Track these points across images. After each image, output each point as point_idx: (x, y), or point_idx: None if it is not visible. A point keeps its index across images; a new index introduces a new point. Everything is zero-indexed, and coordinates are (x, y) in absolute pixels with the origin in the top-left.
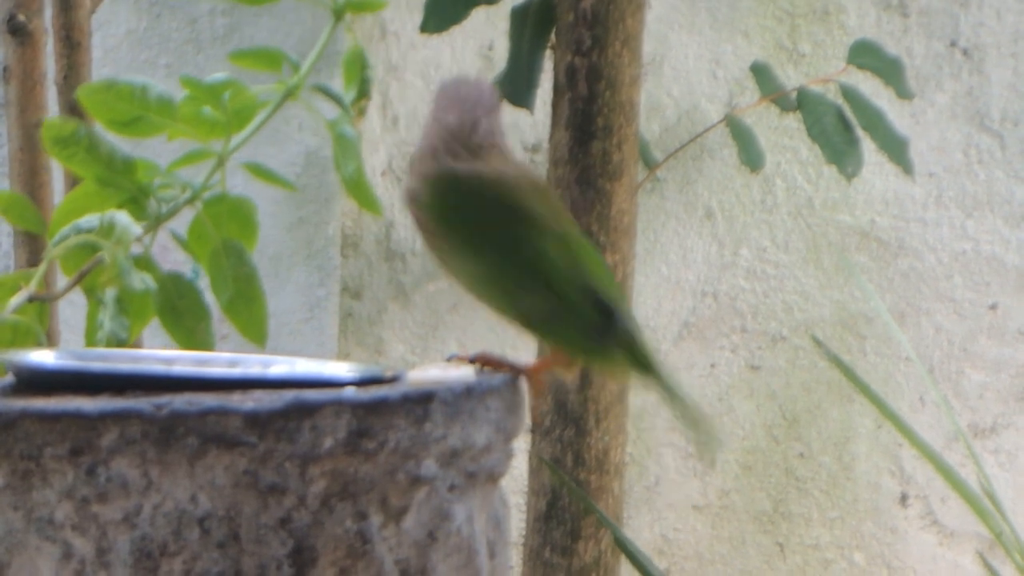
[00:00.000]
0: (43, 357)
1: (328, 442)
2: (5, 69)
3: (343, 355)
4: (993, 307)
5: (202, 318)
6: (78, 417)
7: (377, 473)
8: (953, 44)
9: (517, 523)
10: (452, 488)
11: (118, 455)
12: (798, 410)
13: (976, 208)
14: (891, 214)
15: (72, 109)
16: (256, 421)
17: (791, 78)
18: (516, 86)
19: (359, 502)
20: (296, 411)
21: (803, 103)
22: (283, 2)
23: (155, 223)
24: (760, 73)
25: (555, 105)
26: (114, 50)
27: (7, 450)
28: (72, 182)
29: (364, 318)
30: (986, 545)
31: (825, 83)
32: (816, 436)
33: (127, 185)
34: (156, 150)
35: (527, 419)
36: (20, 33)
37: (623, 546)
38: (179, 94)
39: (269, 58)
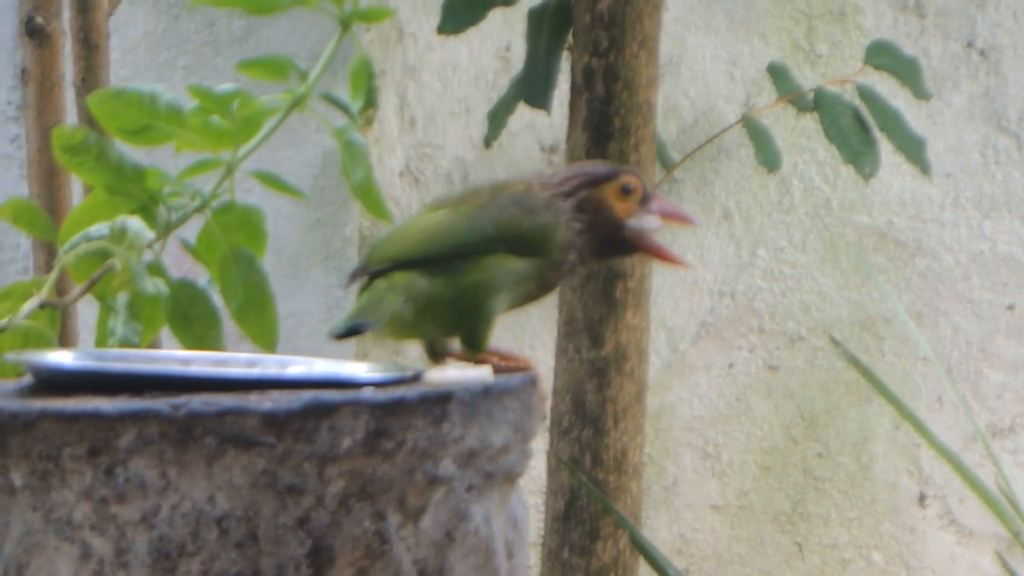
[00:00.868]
0: (61, 358)
1: (346, 442)
2: (24, 71)
3: (361, 355)
4: (1011, 307)
5: (213, 325)
6: (96, 417)
7: (395, 473)
8: (970, 45)
9: (535, 523)
10: (470, 488)
11: (136, 455)
12: (816, 410)
13: (993, 209)
14: (908, 215)
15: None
16: (274, 421)
17: (808, 79)
18: (533, 87)
19: (377, 502)
20: (314, 411)
21: (820, 104)
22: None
23: (165, 231)
24: (777, 74)
25: (572, 106)
26: (132, 52)
27: (26, 450)
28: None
29: None
30: (1004, 545)
31: (842, 84)
32: (834, 436)
33: (137, 193)
34: (166, 159)
35: (545, 418)
36: (38, 35)
37: (641, 546)
38: (189, 101)
39: (277, 67)
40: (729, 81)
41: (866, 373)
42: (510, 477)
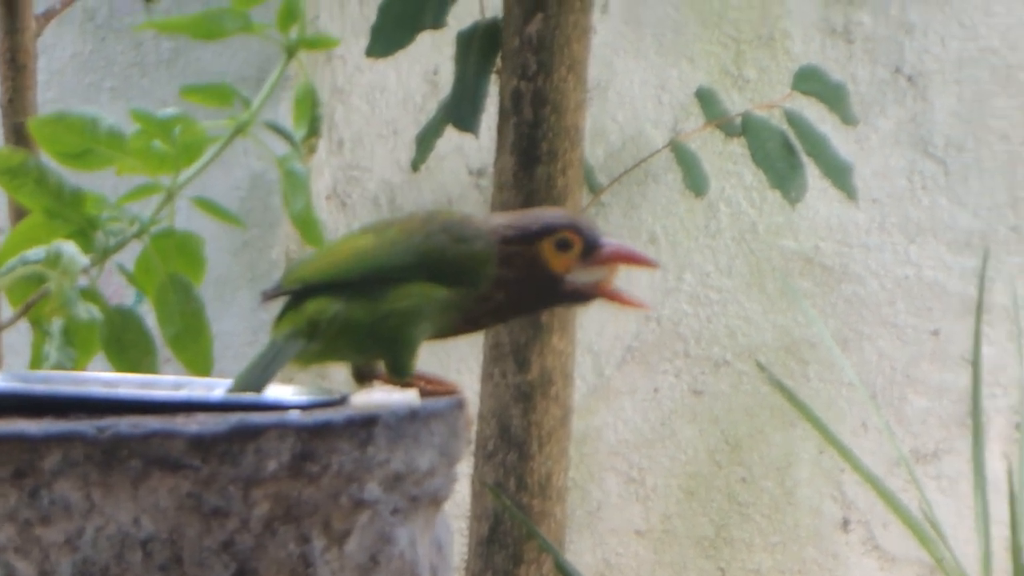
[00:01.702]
0: None
1: (272, 465)
2: None
3: (287, 378)
4: (935, 333)
5: (147, 351)
6: (21, 439)
7: (320, 496)
8: (897, 71)
9: (460, 547)
10: (395, 512)
11: (61, 477)
12: (741, 435)
13: (919, 234)
14: (835, 239)
15: (17, 131)
16: (200, 444)
17: (736, 103)
18: (461, 110)
19: (302, 525)
20: (240, 434)
21: (748, 128)
22: None
23: (102, 256)
24: (705, 98)
25: (500, 129)
26: (59, 73)
27: None
28: (17, 209)
29: None
30: (927, 571)
31: (770, 108)
32: (758, 461)
33: (75, 217)
34: (105, 183)
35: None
36: None
37: (565, 571)
38: (129, 125)
39: (220, 93)
40: (657, 105)
41: (791, 398)
42: (435, 501)
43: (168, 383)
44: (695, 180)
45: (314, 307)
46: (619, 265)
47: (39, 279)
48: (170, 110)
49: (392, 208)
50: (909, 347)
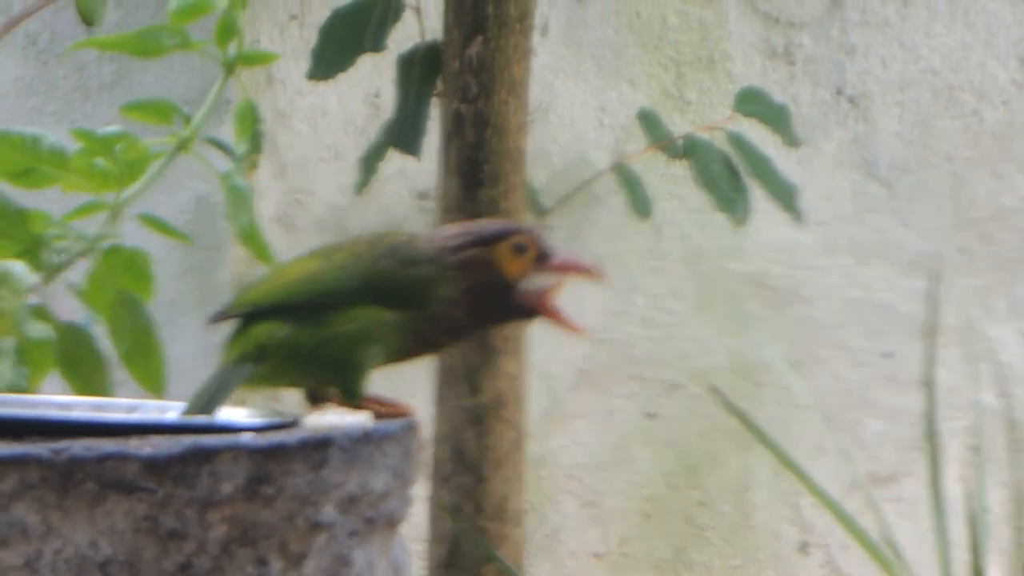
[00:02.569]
0: None
1: (227, 487)
2: None
3: (240, 401)
4: (888, 355)
5: (100, 368)
6: None
7: (276, 519)
8: (839, 92)
9: (418, 571)
10: (352, 534)
11: (17, 500)
12: (696, 458)
13: (868, 256)
14: (783, 262)
15: None
16: (155, 466)
17: (678, 125)
18: (404, 133)
19: (259, 548)
20: (194, 456)
21: (691, 151)
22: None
23: (51, 274)
24: (647, 120)
25: (443, 152)
26: (2, 97)
27: None
28: None
29: None
30: None
31: (712, 130)
32: (715, 484)
33: (21, 236)
34: (52, 203)
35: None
36: None
37: None
38: (71, 144)
39: (161, 110)
40: (599, 127)
41: (745, 421)
42: (392, 523)
43: (122, 406)
44: (639, 203)
45: (262, 331)
46: (569, 275)
47: None
48: (112, 128)
49: (338, 231)
50: (862, 369)
